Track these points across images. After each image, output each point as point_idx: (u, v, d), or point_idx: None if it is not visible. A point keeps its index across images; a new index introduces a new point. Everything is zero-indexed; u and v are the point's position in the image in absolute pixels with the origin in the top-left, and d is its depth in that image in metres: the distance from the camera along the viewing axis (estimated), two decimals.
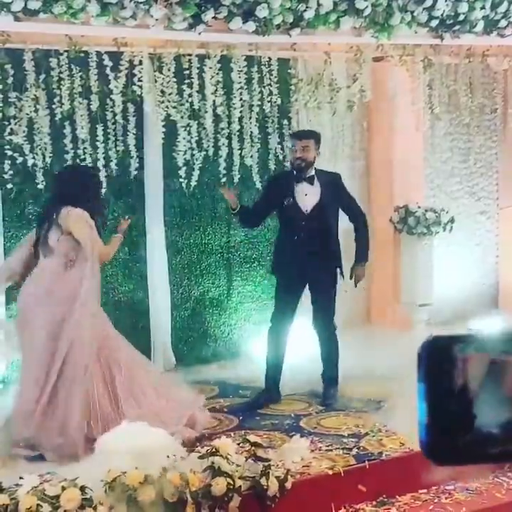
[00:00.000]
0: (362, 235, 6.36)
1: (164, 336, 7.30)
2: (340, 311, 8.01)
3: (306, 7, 6.25)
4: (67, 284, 5.33)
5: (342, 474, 4.91)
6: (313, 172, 6.20)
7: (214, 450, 4.59)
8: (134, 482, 4.28)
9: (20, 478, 4.27)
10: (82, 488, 4.17)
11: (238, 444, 4.98)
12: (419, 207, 8.04)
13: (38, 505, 4.03)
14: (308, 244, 6.08)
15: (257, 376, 6.62)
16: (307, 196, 6.14)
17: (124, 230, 5.83)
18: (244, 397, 6.46)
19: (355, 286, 6.38)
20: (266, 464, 4.66)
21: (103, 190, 6.02)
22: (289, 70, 7.48)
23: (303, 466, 4.94)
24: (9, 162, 6.44)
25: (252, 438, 4.93)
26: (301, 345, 7.13)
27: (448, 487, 5.15)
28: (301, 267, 6.10)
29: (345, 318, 8.11)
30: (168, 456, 4.49)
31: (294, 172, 6.22)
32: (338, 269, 6.27)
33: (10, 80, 6.36)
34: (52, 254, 5.42)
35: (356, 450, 5.22)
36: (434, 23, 7.21)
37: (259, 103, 7.32)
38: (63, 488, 4.14)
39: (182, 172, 7.10)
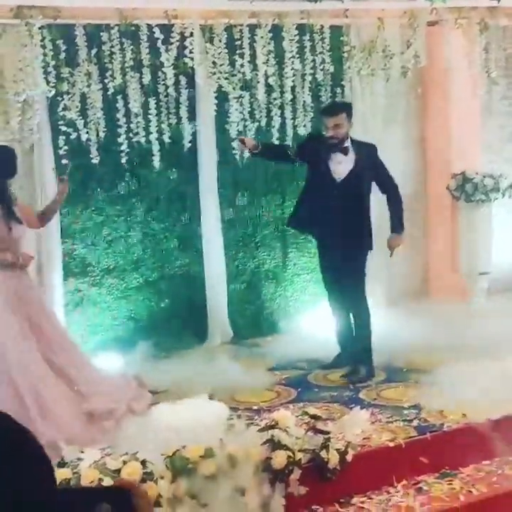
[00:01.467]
0: (395, 205, 6.22)
1: (220, 309, 7.29)
2: (397, 282, 7.98)
3: None
4: None
5: (403, 446, 4.85)
6: (348, 143, 6.09)
7: (273, 423, 4.58)
8: (194, 456, 4.29)
9: (82, 452, 4.30)
10: (143, 462, 4.18)
11: (297, 417, 4.96)
12: (476, 173, 7.87)
13: (99, 479, 4.05)
14: (339, 213, 6.00)
15: (313, 348, 6.59)
16: (341, 165, 6.06)
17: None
18: (301, 368, 6.41)
19: (390, 255, 6.23)
20: (326, 436, 4.63)
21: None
22: (341, 38, 7.36)
23: (363, 439, 4.89)
24: (63, 137, 6.45)
25: (311, 410, 4.91)
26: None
27: (511, 458, 5.06)
28: (331, 235, 6.08)
29: (403, 289, 8.05)
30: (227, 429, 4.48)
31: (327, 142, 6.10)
32: (366, 239, 6.14)
33: (62, 56, 6.36)
34: None
35: (417, 422, 5.15)
36: None
37: (312, 72, 7.23)
38: (124, 462, 4.16)
39: (235, 144, 7.05)
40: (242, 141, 6.24)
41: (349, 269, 6.09)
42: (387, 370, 6.22)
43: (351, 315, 6.21)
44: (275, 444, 4.43)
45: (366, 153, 6.15)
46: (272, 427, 4.53)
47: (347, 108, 6.24)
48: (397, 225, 6.21)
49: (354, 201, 6.03)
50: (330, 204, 6.03)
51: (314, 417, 4.77)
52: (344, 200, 6.00)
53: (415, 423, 5.14)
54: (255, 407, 5.56)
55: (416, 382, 5.83)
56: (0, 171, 5.22)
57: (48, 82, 6.31)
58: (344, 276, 6.11)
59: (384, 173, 6.21)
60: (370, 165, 6.11)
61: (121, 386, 5.48)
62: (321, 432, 4.66)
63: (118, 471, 4.12)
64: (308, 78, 7.23)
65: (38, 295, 5.45)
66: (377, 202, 6.47)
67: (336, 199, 6.01)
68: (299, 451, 4.47)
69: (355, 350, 6.17)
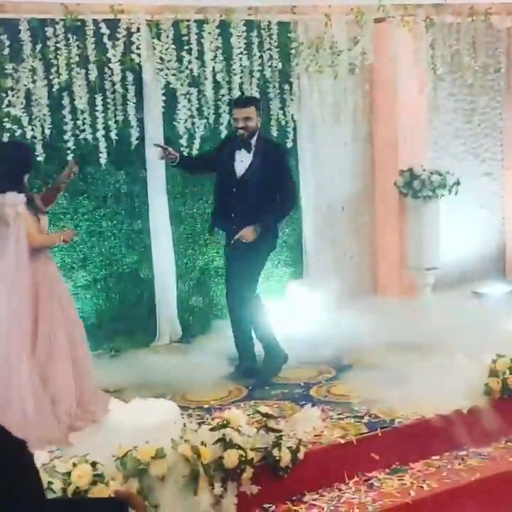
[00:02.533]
0: (277, 206, 6.12)
1: (170, 307, 7.24)
2: (346, 277, 8.02)
3: None
4: None
5: (354, 443, 4.87)
6: (253, 140, 6.07)
7: (225, 422, 4.55)
8: (145, 456, 4.25)
9: None
10: (94, 464, 4.13)
11: (249, 415, 4.94)
12: (424, 170, 7.94)
13: (49, 482, 3.99)
14: (238, 210, 6.05)
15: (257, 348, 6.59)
16: (242, 162, 6.09)
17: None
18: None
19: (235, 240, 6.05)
20: (277, 434, 4.63)
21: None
22: (289, 34, 7.35)
23: (315, 436, 4.91)
24: (8, 135, 6.34)
25: (263, 409, 4.89)
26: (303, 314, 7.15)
27: (461, 453, 5.12)
28: (230, 230, 6.15)
29: (352, 285, 8.09)
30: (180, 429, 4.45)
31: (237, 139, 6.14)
32: (264, 238, 6.07)
33: (6, 51, 6.24)
34: None
35: (368, 418, 5.18)
36: None
37: (260, 68, 7.21)
38: (74, 465, 4.10)
39: (183, 141, 7.01)
40: (164, 150, 6.22)
41: (242, 268, 6.07)
42: (337, 367, 6.24)
43: (247, 316, 6.17)
44: (227, 443, 4.41)
45: (271, 152, 6.10)
46: (224, 426, 4.51)
47: (256, 101, 6.27)
48: (263, 221, 6.03)
49: (253, 198, 6.01)
50: (231, 201, 6.10)
51: (266, 415, 4.76)
52: (243, 196, 6.03)
53: (366, 419, 5.17)
54: (206, 406, 5.54)
55: (365, 379, 5.85)
56: (20, 166, 5.24)
57: None
58: (238, 274, 6.10)
59: (284, 176, 6.11)
60: (272, 165, 6.03)
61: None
62: (273, 430, 4.65)
63: (68, 473, 4.07)
64: (257, 75, 7.20)
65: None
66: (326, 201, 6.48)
67: (236, 195, 6.07)
68: (251, 449, 4.46)
69: (264, 344, 6.22)
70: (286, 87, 7.51)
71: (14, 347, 4.96)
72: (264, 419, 4.75)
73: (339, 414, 5.28)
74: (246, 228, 5.99)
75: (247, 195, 6.02)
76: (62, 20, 6.34)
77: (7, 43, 6.22)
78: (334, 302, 7.41)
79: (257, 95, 7.13)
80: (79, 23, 6.40)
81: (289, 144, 7.56)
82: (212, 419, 4.89)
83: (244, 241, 5.98)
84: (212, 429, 4.52)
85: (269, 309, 6.33)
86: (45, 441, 4.67)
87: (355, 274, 8.25)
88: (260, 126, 6.18)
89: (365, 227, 8.30)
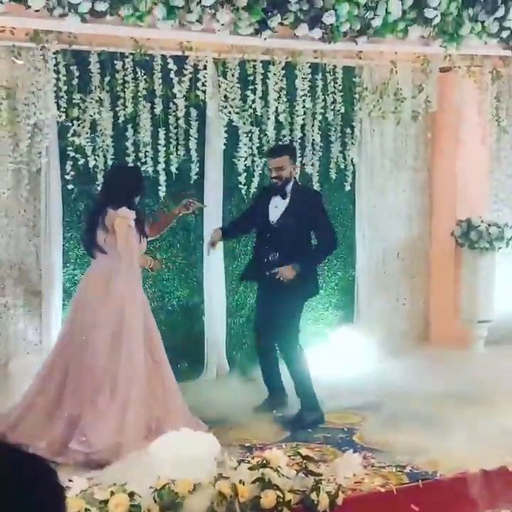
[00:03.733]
0: (318, 253, 6.21)
1: (218, 342, 7.25)
2: (397, 326, 7.94)
3: (374, 15, 6.16)
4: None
5: (394, 492, 4.78)
6: (288, 187, 6.09)
7: (265, 462, 4.52)
8: (183, 490, 4.23)
9: (70, 480, 4.25)
10: (131, 494, 4.13)
11: (289, 457, 4.90)
12: (482, 221, 7.86)
13: (86, 509, 3.99)
14: (273, 255, 6.06)
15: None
16: (277, 209, 6.11)
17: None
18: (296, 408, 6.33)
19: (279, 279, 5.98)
20: (317, 478, 4.57)
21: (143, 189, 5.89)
22: (353, 78, 7.40)
23: (355, 482, 4.83)
24: (71, 163, 6.47)
25: (304, 451, 4.84)
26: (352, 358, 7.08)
27: (504, 511, 4.99)
28: (266, 277, 6.10)
29: (404, 332, 8.01)
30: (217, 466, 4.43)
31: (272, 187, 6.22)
32: (302, 283, 6.02)
33: (75, 82, 6.39)
34: (104, 253, 5.54)
35: (410, 468, 5.09)
36: (505, 34, 7.06)
37: (322, 111, 7.26)
38: (112, 493, 4.10)
39: (242, 178, 7.07)
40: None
41: (281, 314, 6.02)
42: (382, 415, 6.15)
43: (283, 361, 6.18)
44: (265, 483, 4.37)
45: (305, 198, 6.13)
46: (264, 466, 4.47)
47: (290, 151, 6.26)
48: (303, 260, 6.00)
49: (287, 243, 6.00)
50: (265, 247, 6.13)
51: (306, 457, 4.71)
52: (277, 242, 6.05)
53: (407, 469, 5.07)
54: (247, 444, 5.51)
55: (410, 428, 5.75)
56: (132, 190, 5.61)
57: (59, 107, 6.34)
58: (277, 321, 6.05)
59: (321, 221, 6.12)
60: (307, 210, 6.04)
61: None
62: (313, 473, 4.60)
63: (105, 502, 4.07)
64: (319, 117, 7.26)
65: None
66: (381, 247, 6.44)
67: (270, 241, 6.10)
68: (289, 491, 4.41)
69: (299, 397, 6.11)
70: (348, 130, 7.54)
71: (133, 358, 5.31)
72: (305, 461, 4.69)
73: (381, 462, 5.20)
74: (284, 267, 5.96)
75: (282, 240, 6.04)
76: (131, 54, 6.48)
77: (77, 73, 6.37)
78: (383, 348, 7.34)
79: (318, 138, 7.17)
80: (147, 58, 6.54)
81: (347, 188, 7.59)
82: (253, 457, 4.86)
83: (281, 279, 5.94)
84: (251, 468, 4.48)
85: (316, 353, 6.31)
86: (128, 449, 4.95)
87: (406, 321, 8.17)
88: (295, 174, 6.19)
89: (420, 275, 8.23)
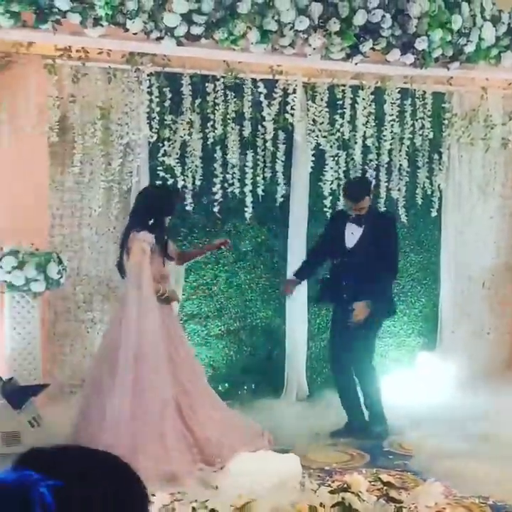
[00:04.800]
0: (376, 275, 6.15)
1: (299, 365, 7.25)
2: (480, 355, 7.81)
3: (467, 41, 6.12)
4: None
5: None
6: (364, 215, 6.17)
7: (345, 486, 4.49)
8: (263, 510, 4.23)
9: (153, 495, 4.30)
10: (212, 511, 4.15)
11: (370, 482, 4.86)
12: None
13: None
14: (347, 279, 6.12)
15: (392, 414, 6.45)
16: (353, 235, 6.19)
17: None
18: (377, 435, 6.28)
19: (354, 321, 6.08)
20: (398, 505, 4.52)
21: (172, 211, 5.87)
22: (443, 104, 7.37)
23: None
24: (160, 182, 6.59)
25: (385, 477, 4.80)
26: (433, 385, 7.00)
27: None
28: (339, 301, 6.22)
29: (486, 363, 7.87)
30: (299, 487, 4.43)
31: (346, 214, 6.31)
32: (379, 306, 6.16)
33: (167, 103, 6.53)
34: (123, 276, 5.67)
35: (493, 500, 4.99)
36: None
37: (410, 136, 7.24)
38: (194, 510, 4.14)
39: (327, 201, 7.08)
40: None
41: (357, 336, 6.09)
42: (464, 444, 6.03)
43: (357, 381, 6.27)
44: (346, 508, 4.34)
45: (380, 223, 6.23)
46: (344, 490, 4.45)
47: (368, 191, 6.24)
48: (367, 292, 6.07)
49: (363, 268, 6.06)
50: (340, 272, 6.18)
51: (388, 484, 4.67)
52: (353, 266, 6.11)
53: (491, 501, 4.97)
54: (327, 468, 5.49)
55: (493, 459, 5.63)
56: (162, 209, 5.64)
57: (151, 128, 6.48)
58: (353, 343, 6.10)
59: (387, 243, 6.19)
60: (380, 234, 6.16)
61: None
62: (394, 500, 4.55)
63: None
64: (407, 142, 7.24)
65: (180, 327, 5.97)
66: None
67: (346, 266, 6.16)
68: None
69: (370, 416, 6.27)
70: (436, 156, 7.49)
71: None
72: (386, 488, 4.66)
73: (463, 492, 5.10)
74: (356, 304, 6.05)
75: (357, 265, 6.09)
76: (222, 77, 6.59)
77: (169, 95, 6.51)
78: (465, 377, 7.23)
79: (405, 163, 7.16)
80: (238, 81, 6.64)
81: (434, 214, 7.53)
82: (333, 481, 4.84)
83: (356, 320, 6.05)
84: (332, 492, 4.46)
85: (397, 379, 6.26)
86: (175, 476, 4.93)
87: (490, 351, 8.03)
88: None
89: (506, 305, 8.09)
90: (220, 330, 7.15)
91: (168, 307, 5.70)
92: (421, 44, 5.90)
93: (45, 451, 1.30)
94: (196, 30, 5.30)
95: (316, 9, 5.51)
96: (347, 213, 6.28)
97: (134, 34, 5.27)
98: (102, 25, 5.16)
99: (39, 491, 1.22)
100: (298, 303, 7.21)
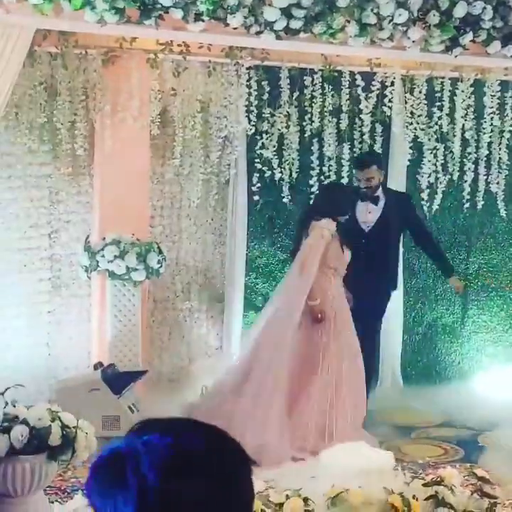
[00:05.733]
0: (433, 252, 6.53)
1: (393, 357, 7.24)
2: None
3: None
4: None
5: None
6: (379, 192, 6.31)
7: (439, 479, 4.50)
8: (356, 500, 4.28)
9: None
10: (306, 500, 4.22)
11: (464, 477, 4.85)
12: None
13: (261, 510, 4.12)
14: (366, 261, 6.08)
15: (487, 409, 6.39)
16: (370, 214, 6.25)
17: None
18: (471, 429, 6.22)
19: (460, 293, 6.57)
20: (492, 500, 4.50)
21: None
22: None
23: None
24: (258, 175, 6.68)
25: (479, 472, 4.78)
26: None
27: None
28: (357, 284, 6.06)
29: None
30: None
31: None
32: (390, 289, 6.44)
33: (265, 96, 6.60)
34: None
35: None
36: None
37: (511, 129, 7.11)
38: (287, 497, 4.21)
39: (424, 195, 7.04)
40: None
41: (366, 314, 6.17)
42: None
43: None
44: (439, 501, 4.35)
45: (397, 202, 6.31)
46: (438, 484, 4.45)
47: (377, 161, 6.42)
48: (446, 268, 6.58)
49: (382, 249, 6.20)
50: (359, 253, 6.03)
51: (482, 479, 4.65)
52: (373, 248, 6.16)
53: None
54: (420, 461, 5.49)
55: None
56: (338, 207, 5.92)
57: (249, 121, 6.57)
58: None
59: (416, 222, 6.43)
60: (400, 213, 6.27)
61: None
62: (488, 495, 4.53)
63: (280, 504, 4.18)
64: (507, 135, 7.12)
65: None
66: None
67: (365, 247, 6.15)
68: (463, 511, 4.37)
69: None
70: None
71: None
72: (480, 482, 4.64)
73: None
74: (451, 280, 6.58)
75: (377, 246, 6.16)
76: (320, 70, 6.62)
77: (267, 88, 6.58)
78: None
79: (505, 156, 7.06)
80: (336, 74, 6.65)
81: None
82: (427, 475, 4.84)
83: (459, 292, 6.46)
84: (425, 485, 4.47)
85: (494, 375, 6.20)
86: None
87: None
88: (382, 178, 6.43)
89: None
90: None
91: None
92: None
93: (159, 420, 1.37)
94: (295, 24, 5.33)
95: (416, 2, 5.47)
96: (359, 191, 6.32)
97: (234, 29, 5.33)
98: (203, 20, 5.23)
99: (136, 458, 1.28)
100: (393, 296, 7.17)
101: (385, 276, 6.31)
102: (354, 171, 6.48)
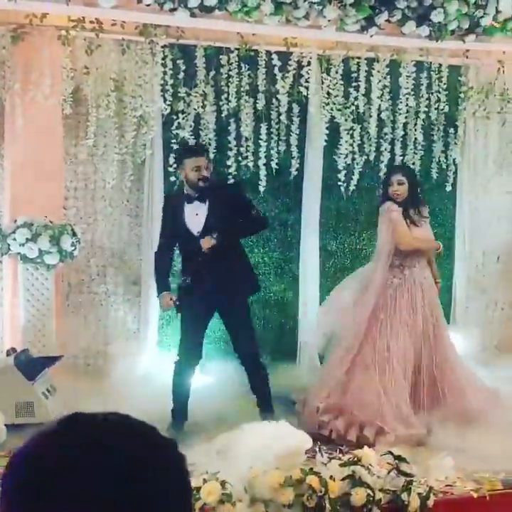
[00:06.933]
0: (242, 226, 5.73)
1: (311, 337, 7.25)
2: (495, 329, 7.80)
3: (484, 13, 6.06)
4: None
5: (487, 498, 4.71)
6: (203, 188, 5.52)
7: (356, 459, 4.51)
8: (274, 482, 4.26)
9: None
10: (223, 483, 4.18)
11: (381, 456, 4.87)
12: None
13: None
14: (208, 267, 5.47)
15: None
16: (198, 216, 5.53)
17: None
18: None
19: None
20: (408, 478, 4.53)
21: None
22: (459, 77, 7.29)
23: (446, 486, 4.77)
24: (174, 155, 6.57)
25: (396, 451, 4.81)
26: None
27: None
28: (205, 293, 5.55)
29: (501, 338, 7.86)
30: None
31: (184, 192, 5.61)
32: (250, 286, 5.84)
33: (181, 75, 6.50)
34: None
35: (504, 474, 4.99)
36: None
37: (426, 109, 7.18)
38: (204, 481, 4.17)
39: (341, 175, 7.05)
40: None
41: (237, 328, 5.74)
42: (475, 419, 6.01)
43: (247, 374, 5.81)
44: (356, 481, 4.36)
45: (224, 193, 5.64)
46: (354, 463, 4.47)
47: (205, 150, 5.92)
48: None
49: (221, 250, 5.46)
50: (195, 261, 5.51)
51: (399, 457, 4.68)
52: (209, 253, 5.47)
53: (502, 476, 4.97)
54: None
55: (505, 434, 5.63)
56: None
57: (164, 100, 6.46)
58: (234, 335, 5.81)
59: (246, 208, 5.65)
60: (230, 205, 5.51)
61: None
62: (405, 473, 4.57)
63: (198, 489, 4.13)
64: (422, 116, 7.18)
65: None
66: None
67: (199, 254, 5.47)
68: (380, 490, 4.39)
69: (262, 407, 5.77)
70: (451, 130, 7.43)
71: None
72: (397, 461, 4.67)
73: (474, 466, 5.10)
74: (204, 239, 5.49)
75: (214, 249, 5.46)
76: (236, 49, 6.55)
77: (183, 67, 6.48)
78: (480, 352, 7.22)
79: (420, 137, 7.12)
80: (252, 53, 6.59)
81: (448, 188, 7.48)
82: (344, 455, 4.86)
83: (203, 249, 5.45)
84: (342, 465, 4.49)
85: None
86: None
87: (504, 326, 8.01)
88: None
89: None
90: None
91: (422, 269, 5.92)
92: (437, 16, 5.84)
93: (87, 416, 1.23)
94: (210, 2, 5.27)
95: None
96: (183, 195, 5.62)
97: (147, 5, 5.24)
98: None
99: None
100: (311, 276, 7.20)
101: (237, 278, 5.65)
102: (183, 160, 5.56)
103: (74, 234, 6.11)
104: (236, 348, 5.81)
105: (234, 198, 5.63)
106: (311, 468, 4.42)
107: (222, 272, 5.53)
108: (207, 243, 5.45)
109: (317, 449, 4.97)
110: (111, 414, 1.22)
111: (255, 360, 5.80)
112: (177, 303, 5.61)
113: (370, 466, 4.47)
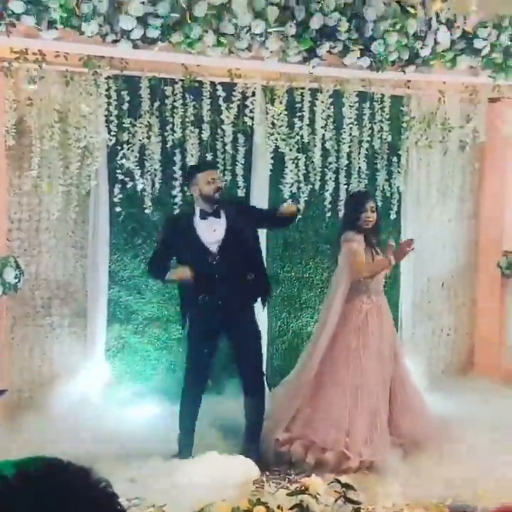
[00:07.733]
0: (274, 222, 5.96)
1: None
2: (441, 355, 7.88)
3: (423, 45, 6.17)
4: None
5: None
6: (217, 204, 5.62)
7: (303, 488, 4.51)
8: None
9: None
10: None
11: (329, 484, 4.87)
12: None
13: None
14: (223, 284, 5.51)
15: None
16: (215, 232, 5.59)
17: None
18: None
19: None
20: (356, 506, 4.55)
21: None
22: (401, 107, 7.41)
23: None
24: (119, 186, 6.57)
25: (343, 479, 4.82)
26: None
27: None
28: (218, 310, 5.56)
29: (447, 363, 7.94)
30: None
31: (196, 209, 5.69)
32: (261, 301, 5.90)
33: (125, 106, 6.51)
34: None
35: (451, 500, 5.02)
36: None
37: (369, 139, 7.28)
38: None
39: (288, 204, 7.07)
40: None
41: (246, 350, 5.78)
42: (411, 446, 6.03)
43: (244, 395, 5.82)
44: (303, 510, 4.37)
45: (238, 208, 5.81)
46: (302, 492, 4.47)
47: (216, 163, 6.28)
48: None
49: (237, 267, 5.54)
50: (211, 277, 5.51)
51: (346, 485, 4.69)
52: (225, 268, 5.51)
53: (449, 502, 5.00)
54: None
55: (453, 460, 5.66)
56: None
57: (109, 131, 6.46)
58: (240, 357, 5.84)
59: (259, 213, 5.94)
60: (245, 218, 5.66)
61: None
62: (352, 501, 4.58)
63: None
64: (365, 145, 7.27)
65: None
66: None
67: (216, 269, 5.52)
68: None
69: (251, 431, 5.69)
70: (394, 159, 7.53)
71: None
72: (344, 489, 4.68)
73: (422, 492, 5.12)
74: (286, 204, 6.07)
75: (229, 266, 5.52)
76: (181, 80, 6.58)
77: (127, 98, 6.49)
78: (426, 378, 7.26)
79: (364, 165, 7.22)
80: (197, 84, 6.63)
81: (393, 216, 7.57)
82: (291, 484, 4.85)
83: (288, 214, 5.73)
84: (290, 494, 4.49)
85: None
86: None
87: (450, 351, 8.10)
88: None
89: (465, 305, 8.17)
90: (180, 333, 7.10)
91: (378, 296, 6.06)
92: (377, 47, 5.93)
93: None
94: (152, 33, 5.28)
95: (273, 12, 5.52)
96: (193, 211, 5.69)
97: (89, 37, 5.23)
98: (56, 28, 5.12)
99: None
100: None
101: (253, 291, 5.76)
102: (196, 176, 5.64)
103: (18, 266, 6.04)
104: (240, 364, 5.84)
105: (248, 209, 6.03)
106: (259, 499, 4.41)
107: (235, 286, 5.55)
108: (291, 208, 5.84)
109: (264, 479, 4.97)
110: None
111: (259, 379, 5.86)
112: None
113: (317, 495, 4.48)
